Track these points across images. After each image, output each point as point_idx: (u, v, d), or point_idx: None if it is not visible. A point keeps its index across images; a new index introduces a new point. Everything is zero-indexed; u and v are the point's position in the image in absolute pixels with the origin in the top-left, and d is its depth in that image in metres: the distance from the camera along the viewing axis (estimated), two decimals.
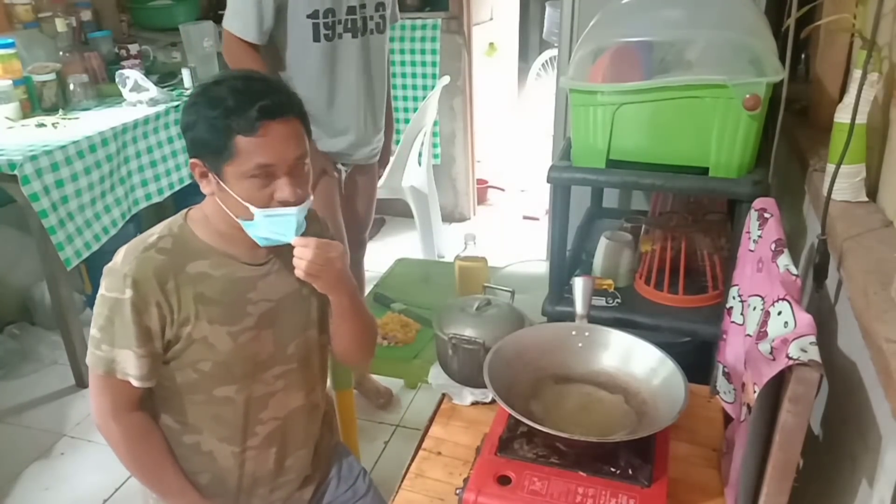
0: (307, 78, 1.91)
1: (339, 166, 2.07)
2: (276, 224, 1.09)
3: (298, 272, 1.10)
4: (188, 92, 2.87)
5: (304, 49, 1.89)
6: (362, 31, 1.95)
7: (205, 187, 1.12)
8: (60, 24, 2.83)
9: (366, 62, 2.00)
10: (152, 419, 1.17)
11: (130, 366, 1.09)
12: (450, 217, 3.82)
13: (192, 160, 1.10)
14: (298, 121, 1.10)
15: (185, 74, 2.93)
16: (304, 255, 1.09)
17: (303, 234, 1.12)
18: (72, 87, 2.74)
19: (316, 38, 1.88)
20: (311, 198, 1.14)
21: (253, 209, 1.08)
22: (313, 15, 1.84)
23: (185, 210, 1.18)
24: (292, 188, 1.07)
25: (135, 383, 1.10)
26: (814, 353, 0.77)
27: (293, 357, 1.22)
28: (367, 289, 2.21)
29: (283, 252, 1.16)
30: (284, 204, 1.07)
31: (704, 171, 1.33)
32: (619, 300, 1.51)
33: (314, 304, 1.24)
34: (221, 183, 1.08)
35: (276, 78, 1.11)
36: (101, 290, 1.10)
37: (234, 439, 1.20)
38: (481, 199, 4.09)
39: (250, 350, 1.16)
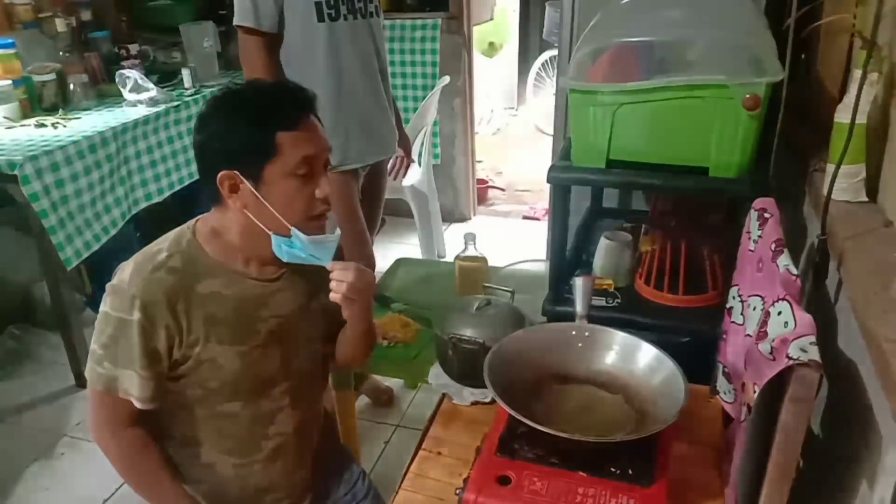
0: (312, 62, 1.88)
1: (360, 170, 2.04)
2: (317, 248, 1.09)
3: (336, 295, 1.10)
4: (188, 92, 2.87)
5: (308, 31, 1.85)
6: (362, 12, 1.93)
7: (235, 201, 1.06)
8: (60, 24, 2.83)
9: (373, 46, 1.98)
10: (150, 433, 1.15)
11: (133, 387, 1.07)
12: (450, 217, 3.81)
13: (224, 173, 1.04)
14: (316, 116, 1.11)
15: (185, 74, 2.93)
16: (345, 277, 1.09)
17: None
18: (72, 87, 2.74)
19: (320, 18, 1.84)
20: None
21: (293, 230, 1.07)
22: None
23: (193, 222, 1.14)
24: (327, 185, 1.09)
25: (137, 405, 1.08)
26: (814, 353, 0.77)
27: (297, 372, 1.21)
28: None
29: (294, 267, 1.15)
30: (325, 202, 1.08)
31: (704, 171, 1.33)
32: (619, 300, 1.51)
33: (321, 319, 1.24)
34: (257, 194, 1.04)
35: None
36: (105, 308, 1.07)
37: (237, 452, 1.19)
38: (481, 199, 4.09)
39: (258, 368, 1.15)
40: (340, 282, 1.09)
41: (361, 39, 1.94)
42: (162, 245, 1.10)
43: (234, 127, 1.03)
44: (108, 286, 1.08)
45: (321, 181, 1.08)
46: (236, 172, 1.04)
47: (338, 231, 1.13)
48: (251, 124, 1.02)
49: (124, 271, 1.07)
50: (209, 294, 1.09)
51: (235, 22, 1.84)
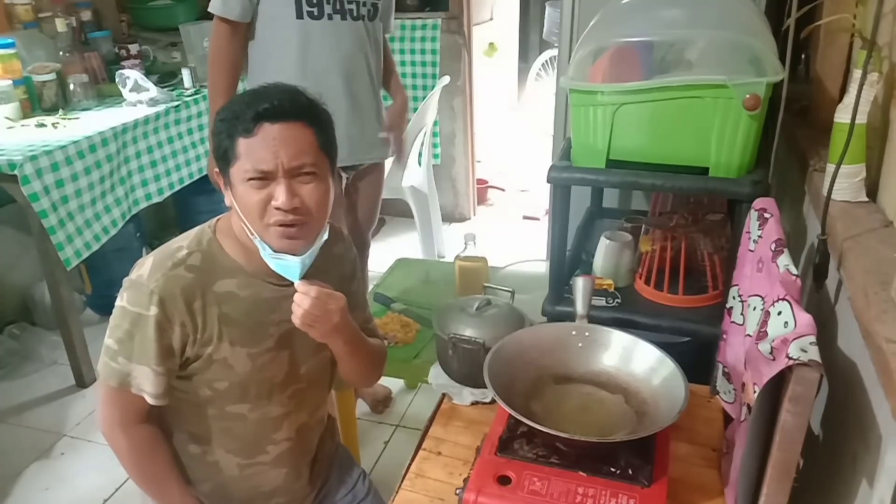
0: (285, 58, 1.83)
1: (340, 173, 2.00)
2: (278, 266, 1.07)
3: (294, 318, 1.07)
4: (188, 92, 2.88)
5: (285, 27, 1.81)
6: (353, 14, 1.87)
7: (227, 199, 1.09)
8: (60, 24, 2.83)
9: (360, 49, 1.92)
10: (160, 431, 1.15)
11: (147, 383, 1.07)
12: (450, 217, 3.82)
13: (215, 169, 1.10)
14: (307, 127, 1.05)
15: (185, 74, 2.93)
16: (302, 303, 1.06)
17: (324, 249, 1.11)
18: (72, 87, 2.74)
19: (299, 15, 1.79)
20: (322, 239, 1.10)
21: (258, 244, 1.06)
22: None
23: (214, 220, 1.15)
24: (289, 195, 1.02)
25: (150, 401, 1.09)
26: (814, 353, 0.77)
27: (305, 377, 1.21)
28: (368, 289, 2.21)
29: (309, 271, 1.12)
30: (279, 209, 1.02)
31: (704, 171, 1.33)
32: (619, 300, 1.51)
33: None
34: (230, 195, 1.07)
35: (300, 88, 1.08)
36: (122, 302, 1.07)
37: (243, 452, 1.19)
38: (481, 199, 4.09)
39: (267, 372, 1.15)
40: (298, 306, 1.06)
41: (345, 41, 1.88)
42: (182, 242, 1.11)
43: (218, 127, 1.06)
44: (125, 281, 1.08)
45: (279, 189, 1.02)
46: (220, 170, 1.08)
47: (310, 253, 1.08)
48: (224, 129, 1.04)
49: (143, 266, 1.08)
50: (225, 293, 1.09)
51: (209, 9, 1.83)
